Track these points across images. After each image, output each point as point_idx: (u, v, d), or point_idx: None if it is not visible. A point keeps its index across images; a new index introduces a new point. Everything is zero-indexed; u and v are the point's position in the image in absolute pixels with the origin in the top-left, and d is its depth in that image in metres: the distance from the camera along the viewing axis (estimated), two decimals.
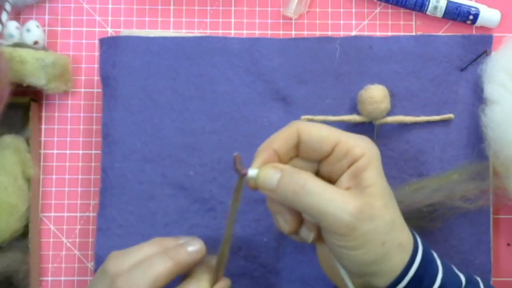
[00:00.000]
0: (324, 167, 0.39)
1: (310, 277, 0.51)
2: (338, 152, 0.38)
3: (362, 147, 0.37)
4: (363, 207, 0.36)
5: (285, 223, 0.40)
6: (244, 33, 0.55)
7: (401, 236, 0.38)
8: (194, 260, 0.40)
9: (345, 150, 0.38)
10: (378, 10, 0.55)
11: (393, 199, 0.39)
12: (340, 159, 0.38)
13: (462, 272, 0.41)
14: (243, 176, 0.38)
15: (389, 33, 0.54)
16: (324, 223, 0.36)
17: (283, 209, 0.40)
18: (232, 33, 0.55)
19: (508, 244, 0.53)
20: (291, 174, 0.37)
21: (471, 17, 0.53)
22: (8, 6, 0.51)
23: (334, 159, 0.38)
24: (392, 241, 0.37)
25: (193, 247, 0.41)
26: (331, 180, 0.39)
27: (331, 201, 0.36)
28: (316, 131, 0.38)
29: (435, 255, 0.40)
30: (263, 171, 0.38)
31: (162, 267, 0.38)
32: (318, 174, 0.40)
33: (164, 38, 0.52)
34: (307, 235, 0.40)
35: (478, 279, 0.42)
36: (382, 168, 0.38)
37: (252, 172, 0.38)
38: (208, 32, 0.55)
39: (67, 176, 0.54)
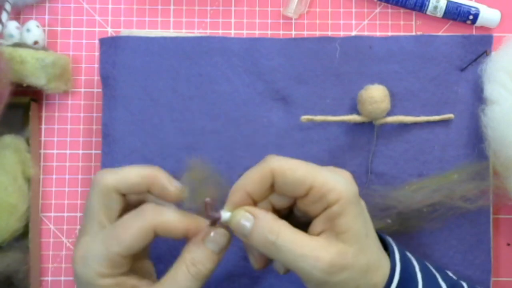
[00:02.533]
0: (300, 204, 0.39)
1: None
2: (312, 196, 0.37)
3: (338, 192, 0.36)
4: (335, 260, 0.35)
5: (254, 261, 0.40)
6: (244, 33, 0.55)
7: (376, 275, 0.37)
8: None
9: (319, 195, 0.36)
10: (378, 10, 0.55)
11: (370, 235, 0.38)
12: (314, 202, 0.37)
13: (447, 281, 0.41)
14: (216, 221, 0.38)
15: (389, 33, 0.54)
16: (297, 274, 0.37)
17: (253, 249, 0.40)
18: (232, 33, 0.55)
19: (508, 244, 0.53)
20: (262, 227, 0.36)
21: (471, 17, 0.53)
22: (8, 6, 0.51)
23: (309, 201, 0.37)
24: (365, 284, 0.37)
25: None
26: (308, 215, 0.39)
27: (301, 257, 0.36)
28: (291, 173, 0.37)
29: (416, 268, 0.40)
30: (236, 217, 0.37)
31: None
32: (295, 207, 0.40)
33: (164, 38, 0.52)
34: (279, 268, 0.41)
35: (464, 285, 0.42)
36: (359, 207, 0.38)
37: (225, 215, 0.38)
38: (208, 32, 0.55)
39: (67, 176, 0.54)
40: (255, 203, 0.38)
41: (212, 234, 0.38)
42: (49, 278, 0.53)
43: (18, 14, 0.55)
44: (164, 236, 0.37)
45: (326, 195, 0.36)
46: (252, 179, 0.37)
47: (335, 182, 0.36)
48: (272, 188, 0.38)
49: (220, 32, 0.55)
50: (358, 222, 0.37)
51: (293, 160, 0.38)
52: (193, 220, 0.38)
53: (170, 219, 0.37)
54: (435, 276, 0.41)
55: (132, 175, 0.38)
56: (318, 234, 0.37)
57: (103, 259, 0.36)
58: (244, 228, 0.37)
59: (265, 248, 0.37)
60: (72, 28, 0.55)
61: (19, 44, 0.51)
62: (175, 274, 0.37)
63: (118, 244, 0.36)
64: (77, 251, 0.37)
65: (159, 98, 0.52)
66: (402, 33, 0.54)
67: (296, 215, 0.41)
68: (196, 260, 0.37)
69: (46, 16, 0.55)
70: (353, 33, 0.54)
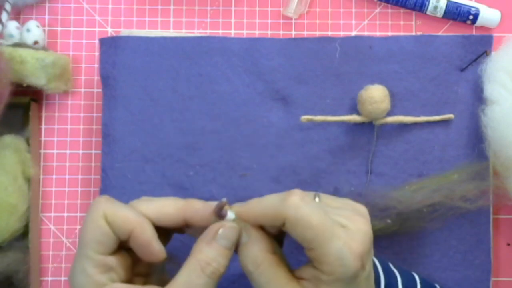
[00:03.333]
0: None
1: None
2: (312, 253, 0.35)
3: (333, 268, 0.34)
4: None
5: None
6: (244, 33, 0.55)
7: None
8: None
9: (317, 257, 0.35)
10: (378, 10, 0.55)
11: None
12: (312, 256, 0.35)
13: None
14: (221, 217, 0.37)
15: (389, 33, 0.54)
16: None
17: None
18: (232, 33, 0.55)
19: (508, 244, 0.53)
20: (248, 253, 0.36)
21: (471, 17, 0.53)
22: (8, 6, 0.51)
23: (307, 251, 0.36)
24: None
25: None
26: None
27: None
28: (301, 231, 0.34)
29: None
30: (236, 229, 0.37)
31: None
32: None
33: (164, 38, 0.52)
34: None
35: None
36: (347, 286, 0.36)
37: (230, 215, 0.37)
38: (208, 32, 0.55)
39: (67, 176, 0.54)
40: None
41: (221, 230, 0.36)
42: (49, 278, 0.53)
43: (18, 14, 0.55)
44: (114, 231, 0.36)
45: (322, 263, 0.34)
46: (264, 215, 0.36)
47: (336, 258, 0.34)
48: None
49: (220, 32, 0.55)
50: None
51: (308, 214, 0.34)
52: (141, 220, 0.36)
53: (119, 211, 0.36)
54: None
55: (121, 213, 0.37)
56: (302, 278, 0.37)
57: (87, 266, 0.35)
58: (242, 240, 0.37)
59: (244, 269, 0.37)
60: (72, 28, 0.55)
61: (19, 44, 0.51)
62: (189, 276, 0.35)
63: (85, 245, 0.35)
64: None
65: (159, 98, 0.52)
66: (402, 33, 0.54)
67: None
68: (210, 258, 0.36)
69: (46, 16, 0.55)
70: (353, 33, 0.54)
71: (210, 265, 0.36)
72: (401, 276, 0.42)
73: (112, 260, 0.36)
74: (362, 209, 0.39)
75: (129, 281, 0.37)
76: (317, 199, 0.38)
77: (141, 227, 0.36)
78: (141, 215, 0.37)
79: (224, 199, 0.37)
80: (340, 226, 0.35)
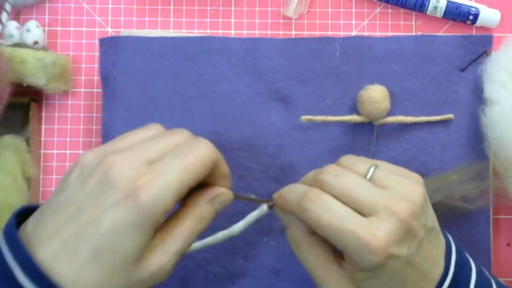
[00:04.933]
0: None
1: (310, 277, 0.51)
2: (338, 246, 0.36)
3: (353, 259, 0.35)
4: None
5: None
6: (244, 33, 0.55)
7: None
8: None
9: (342, 250, 0.36)
10: (378, 10, 0.55)
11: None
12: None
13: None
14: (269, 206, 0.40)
15: (389, 33, 0.54)
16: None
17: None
18: (232, 33, 0.55)
19: (508, 244, 0.53)
20: (291, 233, 0.40)
21: (471, 17, 0.53)
22: (8, 6, 0.51)
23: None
24: None
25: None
26: None
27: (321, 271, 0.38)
28: (320, 230, 0.36)
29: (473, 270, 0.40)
30: (231, 198, 0.39)
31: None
32: None
33: (164, 38, 0.52)
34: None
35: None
36: (377, 273, 0.35)
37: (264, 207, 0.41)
38: (208, 32, 0.55)
39: None
40: None
41: (221, 196, 0.38)
42: None
43: (18, 14, 0.55)
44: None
45: (344, 254, 0.37)
46: (291, 211, 0.38)
47: (352, 253, 0.35)
48: None
49: (220, 32, 0.55)
50: (374, 281, 0.36)
51: (316, 217, 0.36)
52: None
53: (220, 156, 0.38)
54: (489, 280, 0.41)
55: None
56: (341, 262, 0.38)
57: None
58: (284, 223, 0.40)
59: (292, 245, 0.40)
60: (72, 28, 0.55)
61: (19, 44, 0.51)
62: (181, 226, 0.35)
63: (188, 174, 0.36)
64: None
65: (159, 98, 0.52)
66: (402, 33, 0.54)
67: None
68: (204, 216, 0.36)
69: (46, 16, 0.55)
70: (353, 33, 0.54)
71: (201, 223, 0.36)
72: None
73: None
74: (417, 178, 0.39)
75: None
76: (371, 171, 0.37)
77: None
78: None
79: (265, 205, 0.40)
80: (358, 215, 0.35)
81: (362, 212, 0.35)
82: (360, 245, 0.34)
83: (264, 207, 0.40)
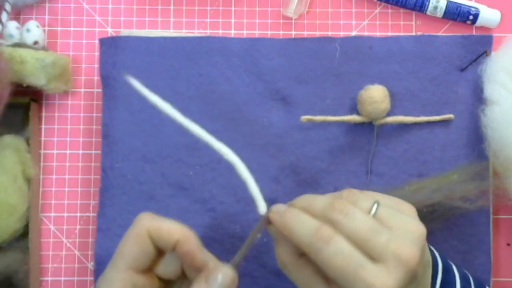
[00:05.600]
0: None
1: None
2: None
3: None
4: None
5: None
6: (244, 33, 0.55)
7: None
8: None
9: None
10: (378, 10, 0.55)
11: None
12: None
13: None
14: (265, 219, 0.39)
15: (389, 33, 0.54)
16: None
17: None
18: (232, 33, 0.55)
19: (508, 244, 0.53)
20: (279, 252, 0.39)
21: (471, 17, 0.53)
22: (8, 6, 0.51)
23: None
24: None
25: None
26: None
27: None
28: (326, 268, 0.35)
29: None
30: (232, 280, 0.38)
31: None
32: None
33: (164, 38, 0.52)
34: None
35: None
36: None
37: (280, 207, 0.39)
38: (208, 32, 0.55)
39: (67, 176, 0.54)
40: None
41: (213, 277, 0.37)
42: (49, 278, 0.53)
43: (18, 14, 0.55)
44: (158, 244, 0.37)
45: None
46: (299, 244, 0.37)
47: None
48: None
49: (220, 32, 0.55)
50: None
51: (330, 258, 0.35)
52: (185, 230, 0.37)
53: (163, 224, 0.37)
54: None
55: (165, 226, 0.38)
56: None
57: (115, 280, 0.36)
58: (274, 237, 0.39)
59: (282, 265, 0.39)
60: (72, 28, 0.55)
61: (19, 44, 0.51)
62: None
63: (121, 257, 0.36)
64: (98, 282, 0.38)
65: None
66: (402, 33, 0.54)
67: None
68: None
69: (46, 16, 0.55)
70: (353, 33, 0.54)
71: None
72: (458, 271, 0.42)
73: (140, 280, 0.37)
74: (412, 211, 0.39)
75: None
76: (374, 208, 0.37)
77: (185, 237, 0.37)
78: (185, 227, 0.37)
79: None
80: (369, 263, 0.35)
81: (371, 256, 0.35)
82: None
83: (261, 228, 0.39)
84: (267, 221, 0.38)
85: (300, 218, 0.37)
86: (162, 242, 0.37)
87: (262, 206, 0.39)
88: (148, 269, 0.38)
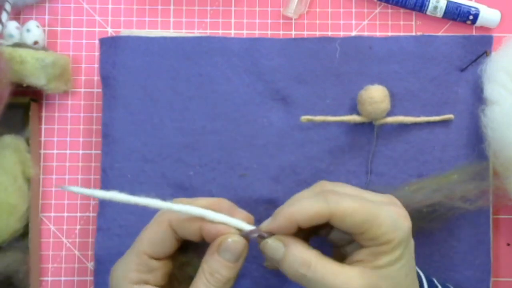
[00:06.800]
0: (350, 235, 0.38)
1: None
2: (366, 235, 0.36)
3: (391, 235, 0.36)
4: None
5: (270, 264, 0.41)
6: (244, 33, 0.55)
7: None
8: None
9: (373, 236, 0.36)
10: (378, 10, 0.55)
11: (410, 275, 0.38)
12: (365, 240, 0.37)
13: None
14: (252, 236, 0.38)
15: (389, 33, 0.54)
16: None
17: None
18: (232, 33, 0.55)
19: (508, 244, 0.53)
20: (294, 257, 0.36)
21: (471, 17, 0.53)
22: (8, 6, 0.51)
23: (359, 237, 0.37)
24: None
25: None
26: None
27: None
28: (350, 219, 0.36)
29: None
30: (267, 243, 0.37)
31: None
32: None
33: (164, 38, 0.52)
34: (269, 265, 0.43)
35: None
36: (407, 249, 0.37)
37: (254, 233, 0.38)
38: (208, 32, 0.55)
39: (67, 176, 0.54)
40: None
41: (224, 244, 0.37)
42: (49, 278, 0.53)
43: (18, 14, 0.55)
44: (182, 236, 0.38)
45: (380, 237, 0.36)
46: (307, 214, 0.36)
47: (390, 224, 0.36)
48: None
49: (220, 32, 0.55)
50: (400, 263, 0.37)
51: (351, 200, 0.36)
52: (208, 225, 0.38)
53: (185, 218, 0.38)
54: None
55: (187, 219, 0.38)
56: (354, 262, 0.37)
57: (130, 261, 0.38)
58: (276, 253, 0.37)
59: (295, 278, 0.36)
60: (72, 28, 0.55)
61: (19, 44, 0.51)
62: (197, 286, 0.37)
63: (140, 242, 0.38)
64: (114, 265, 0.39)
65: (159, 98, 0.52)
66: (402, 33, 0.54)
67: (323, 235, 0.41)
68: (213, 269, 0.37)
69: (46, 16, 0.55)
70: (353, 33, 0.54)
71: (212, 276, 0.37)
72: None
73: (155, 264, 0.38)
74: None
75: (163, 287, 0.39)
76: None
77: (207, 224, 0.37)
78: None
79: (253, 228, 0.38)
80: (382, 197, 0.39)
81: None
82: (394, 215, 0.37)
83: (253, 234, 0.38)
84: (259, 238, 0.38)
85: (298, 205, 0.37)
86: (186, 230, 0.38)
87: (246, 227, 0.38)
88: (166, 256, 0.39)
